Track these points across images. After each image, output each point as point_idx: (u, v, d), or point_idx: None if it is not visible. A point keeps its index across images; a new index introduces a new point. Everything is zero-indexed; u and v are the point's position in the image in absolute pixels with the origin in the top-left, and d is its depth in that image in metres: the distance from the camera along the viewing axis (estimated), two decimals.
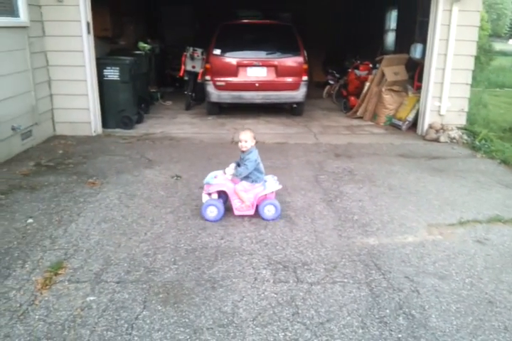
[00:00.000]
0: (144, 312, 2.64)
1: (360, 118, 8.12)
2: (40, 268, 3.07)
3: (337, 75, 9.86)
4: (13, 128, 5.42)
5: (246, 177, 3.87)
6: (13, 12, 5.69)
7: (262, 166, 3.93)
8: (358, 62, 8.82)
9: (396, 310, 2.72)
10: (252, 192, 3.86)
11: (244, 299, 2.79)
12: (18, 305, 2.70)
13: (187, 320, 2.59)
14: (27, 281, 2.92)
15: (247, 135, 3.81)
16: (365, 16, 12.03)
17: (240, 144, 3.86)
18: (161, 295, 2.81)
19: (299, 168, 5.31)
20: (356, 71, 8.67)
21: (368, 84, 8.13)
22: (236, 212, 3.92)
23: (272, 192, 3.95)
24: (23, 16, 5.82)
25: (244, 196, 3.83)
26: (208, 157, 5.71)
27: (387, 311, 2.70)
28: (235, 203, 3.88)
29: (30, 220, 3.79)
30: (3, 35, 5.35)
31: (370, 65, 8.52)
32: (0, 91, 5.24)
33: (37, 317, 2.60)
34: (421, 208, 4.21)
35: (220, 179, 3.86)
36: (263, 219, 3.87)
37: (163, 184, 4.70)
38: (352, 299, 2.81)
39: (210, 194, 3.90)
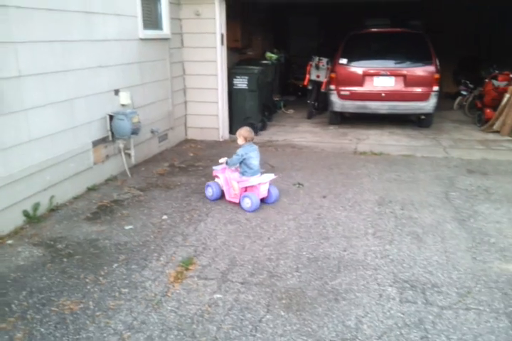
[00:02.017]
0: (268, 316, 2.68)
1: (497, 132, 7.45)
2: (173, 262, 3.29)
3: (470, 85, 9.18)
4: (152, 131, 5.91)
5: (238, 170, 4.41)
6: (157, 25, 6.24)
7: (253, 162, 4.35)
8: (497, 71, 8.13)
9: None
10: (242, 183, 4.31)
11: (369, 315, 2.69)
12: (153, 294, 2.91)
13: (309, 330, 2.57)
14: (161, 273, 3.15)
15: (237, 132, 4.47)
16: (505, 23, 11.07)
17: None
18: (283, 301, 2.83)
19: (426, 183, 5.02)
20: (494, 81, 7.98)
21: (507, 95, 7.42)
22: (227, 197, 4.42)
23: (256, 186, 4.26)
24: (166, 29, 6.36)
25: (235, 185, 4.33)
26: (329, 166, 5.67)
27: None
28: (229, 189, 4.40)
29: (164, 217, 4.09)
30: (150, 46, 5.88)
31: (511, 75, 7.80)
32: (144, 97, 5.76)
33: (169, 308, 2.77)
34: None
35: (221, 167, 4.51)
36: (242, 209, 4.23)
37: (285, 191, 4.75)
38: (489, 329, 2.57)
39: (215, 177, 4.55)
